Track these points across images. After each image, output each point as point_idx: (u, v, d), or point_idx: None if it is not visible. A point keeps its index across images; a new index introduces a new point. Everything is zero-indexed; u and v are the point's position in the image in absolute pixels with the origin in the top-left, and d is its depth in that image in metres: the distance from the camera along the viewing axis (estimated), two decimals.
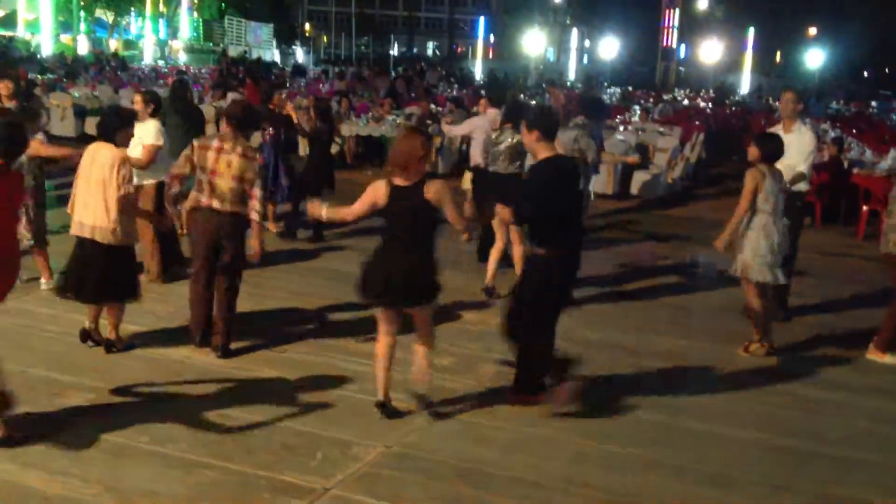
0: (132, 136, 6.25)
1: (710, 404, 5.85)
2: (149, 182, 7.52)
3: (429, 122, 15.48)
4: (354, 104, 17.83)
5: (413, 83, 24.53)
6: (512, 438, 5.11)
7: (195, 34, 51.20)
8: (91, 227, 5.78)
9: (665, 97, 32.18)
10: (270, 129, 9.77)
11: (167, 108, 9.61)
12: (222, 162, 5.94)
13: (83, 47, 41.16)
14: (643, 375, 6.29)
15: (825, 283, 9.18)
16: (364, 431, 5.05)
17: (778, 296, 7.37)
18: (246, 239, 6.13)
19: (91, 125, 14.44)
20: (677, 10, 51.59)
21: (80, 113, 17.24)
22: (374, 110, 17.46)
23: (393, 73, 30.12)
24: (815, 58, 54.59)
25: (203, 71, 32.55)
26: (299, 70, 34.85)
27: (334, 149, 11.07)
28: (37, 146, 7.10)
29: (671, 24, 52.01)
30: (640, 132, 16.02)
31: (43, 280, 7.39)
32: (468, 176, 9.42)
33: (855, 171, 12.71)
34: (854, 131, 19.38)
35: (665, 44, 52.25)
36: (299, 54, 50.67)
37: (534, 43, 52.75)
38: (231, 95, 14.20)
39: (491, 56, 58.73)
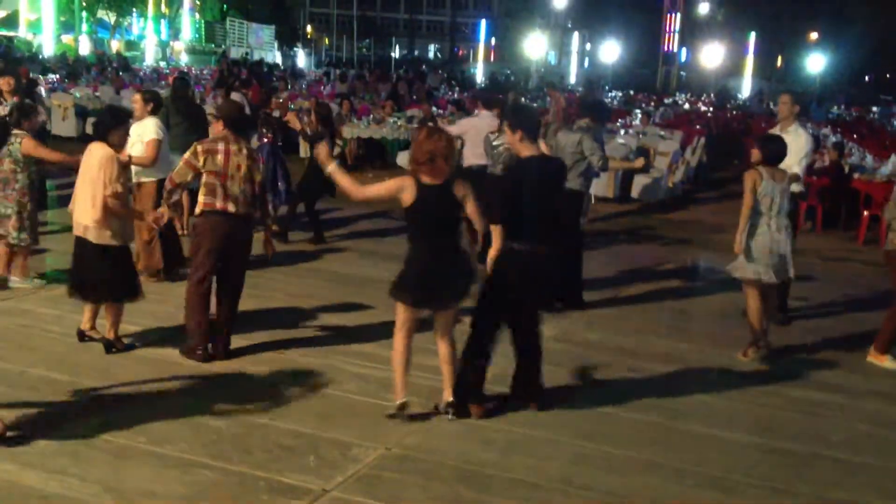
0: (128, 135, 6.25)
1: (710, 407, 5.85)
2: (149, 180, 7.54)
3: (430, 124, 15.48)
4: (356, 106, 17.85)
5: (414, 86, 24.57)
6: (512, 440, 5.11)
7: (197, 35, 51.29)
8: (84, 227, 5.81)
9: (666, 101, 32.23)
10: (268, 133, 9.79)
11: (169, 107, 9.63)
12: (232, 165, 5.83)
13: (85, 48, 41.22)
14: (643, 378, 6.29)
15: (825, 287, 9.18)
16: (364, 433, 5.05)
17: (778, 299, 7.38)
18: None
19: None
20: (678, 14, 51.62)
21: (82, 113, 17.29)
22: (376, 112, 17.48)
23: (394, 77, 30.16)
24: (816, 62, 54.62)
25: (204, 72, 32.61)
26: (295, 73, 35.16)
27: (336, 151, 11.08)
28: (32, 146, 7.11)
29: (672, 28, 52.03)
30: (640, 135, 16.05)
31: (15, 278, 7.33)
32: None
33: (855, 176, 12.73)
34: (855, 136, 19.39)
35: (666, 48, 52.25)
36: (301, 56, 50.73)
37: (535, 46, 52.78)
38: (234, 95, 14.20)
39: (492, 59, 58.78)
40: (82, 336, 6.17)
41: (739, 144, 18.88)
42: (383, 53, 58.44)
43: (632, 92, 35.80)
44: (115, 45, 44.11)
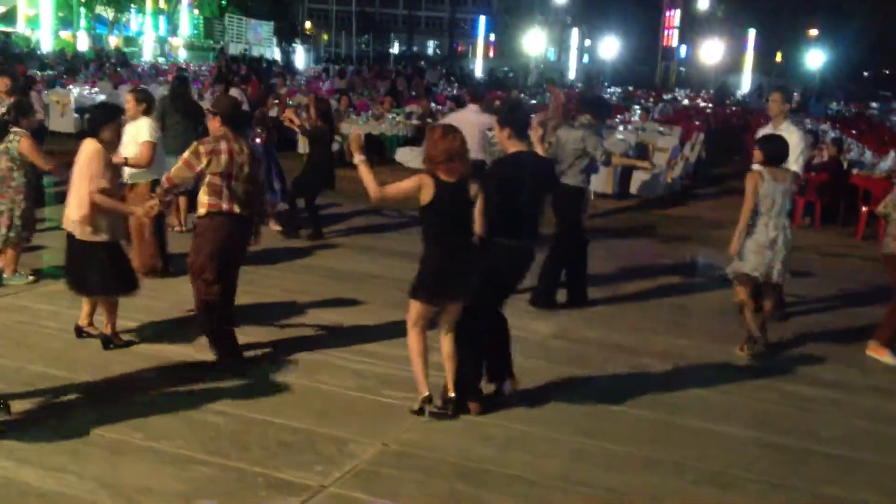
0: (121, 131, 6.21)
1: (709, 403, 5.84)
2: (143, 181, 7.50)
3: (429, 120, 15.48)
4: (354, 102, 17.83)
5: (413, 81, 24.55)
6: (510, 436, 5.10)
7: (195, 31, 51.23)
8: (72, 222, 5.82)
9: (665, 97, 32.22)
10: (262, 132, 9.77)
11: (167, 107, 9.62)
12: (236, 165, 5.71)
13: (83, 44, 41.16)
14: (641, 374, 6.28)
15: (823, 282, 9.17)
16: (361, 429, 5.04)
17: (774, 296, 7.37)
18: None
19: None
20: (678, 10, 51.59)
21: (81, 109, 17.26)
22: (374, 108, 17.46)
23: (392, 73, 30.15)
24: (815, 58, 54.59)
25: (203, 68, 32.59)
26: (292, 69, 35.39)
27: (334, 147, 11.06)
28: (28, 147, 7.10)
29: (672, 24, 52.01)
30: (640, 131, 16.03)
31: (6, 274, 7.34)
32: None
33: (854, 171, 12.73)
34: (854, 132, 19.39)
35: (666, 43, 52.23)
36: (299, 52, 50.66)
37: (534, 42, 52.70)
38: (233, 91, 14.17)
39: (492, 55, 58.73)
40: (80, 332, 6.17)
41: (739, 140, 18.87)
42: (382, 49, 58.38)
43: (631, 88, 35.78)
44: (114, 42, 44.07)
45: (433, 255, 5.07)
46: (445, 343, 5.24)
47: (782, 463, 5.03)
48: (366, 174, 5.01)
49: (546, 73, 42.69)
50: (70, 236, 5.89)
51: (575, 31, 58.27)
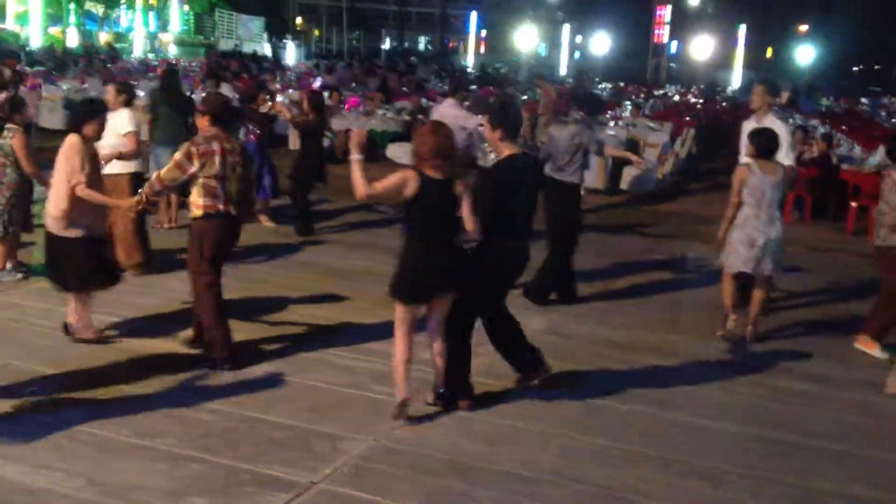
0: (103, 127, 6.18)
1: (699, 398, 5.85)
2: (123, 174, 7.48)
3: (420, 116, 15.43)
4: (344, 98, 17.78)
5: (404, 77, 24.50)
6: (501, 432, 5.10)
7: (186, 27, 51.00)
8: (51, 217, 5.83)
9: (656, 93, 32.22)
10: (254, 130, 9.73)
11: (157, 99, 9.59)
12: (229, 166, 5.65)
13: (73, 40, 40.94)
14: (631, 370, 6.29)
15: (813, 277, 9.19)
16: (352, 425, 5.03)
17: (766, 287, 7.38)
18: None
19: None
20: (669, 6, 51.62)
21: (69, 106, 17.17)
22: (365, 104, 17.42)
23: (383, 69, 30.06)
24: (805, 54, 54.73)
25: (193, 64, 32.39)
26: (281, 65, 35.39)
27: (325, 142, 11.04)
28: (19, 145, 7.06)
29: (663, 20, 52.03)
30: (630, 127, 16.03)
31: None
32: None
33: (844, 167, 12.76)
34: (843, 128, 19.43)
35: (656, 40, 52.27)
36: (290, 48, 50.50)
37: (526, 38, 52.70)
38: (224, 86, 14.14)
39: (483, 51, 58.67)
40: (68, 329, 6.13)
41: (729, 136, 18.88)
42: (373, 45, 58.25)
43: (622, 84, 35.76)
44: (104, 38, 43.85)
45: (414, 251, 5.02)
46: (435, 341, 5.23)
47: (772, 457, 5.04)
48: (357, 172, 4.99)
49: (536, 69, 42.69)
50: (48, 233, 5.88)
51: (566, 27, 58.25)
